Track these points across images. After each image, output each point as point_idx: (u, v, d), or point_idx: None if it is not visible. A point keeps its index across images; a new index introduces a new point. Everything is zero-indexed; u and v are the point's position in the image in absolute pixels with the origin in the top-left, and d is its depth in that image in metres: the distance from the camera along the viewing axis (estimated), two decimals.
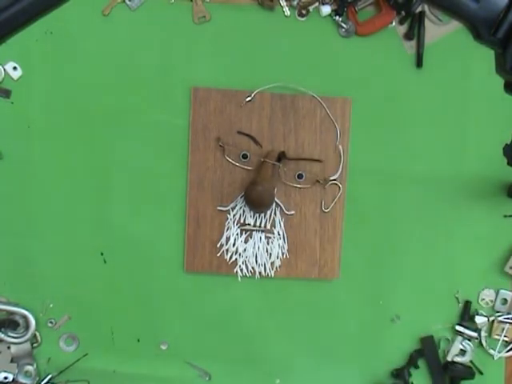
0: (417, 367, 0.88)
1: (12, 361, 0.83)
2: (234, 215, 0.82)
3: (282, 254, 0.83)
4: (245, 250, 0.82)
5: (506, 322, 0.85)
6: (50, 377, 0.83)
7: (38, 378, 0.83)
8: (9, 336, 0.82)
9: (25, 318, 0.82)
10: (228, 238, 0.83)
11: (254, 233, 0.83)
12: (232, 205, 0.82)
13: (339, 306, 0.86)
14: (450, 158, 0.85)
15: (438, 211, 0.85)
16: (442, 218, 0.85)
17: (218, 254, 0.83)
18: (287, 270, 0.84)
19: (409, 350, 0.88)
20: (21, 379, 0.83)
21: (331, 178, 0.83)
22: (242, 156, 0.82)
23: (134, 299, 0.84)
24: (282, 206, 0.82)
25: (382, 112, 0.84)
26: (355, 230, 0.84)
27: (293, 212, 0.83)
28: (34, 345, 0.84)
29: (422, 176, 0.85)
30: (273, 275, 0.83)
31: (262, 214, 0.82)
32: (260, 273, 0.83)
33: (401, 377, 0.87)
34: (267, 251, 0.82)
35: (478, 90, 0.84)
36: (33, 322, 0.82)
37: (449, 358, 0.87)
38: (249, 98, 0.81)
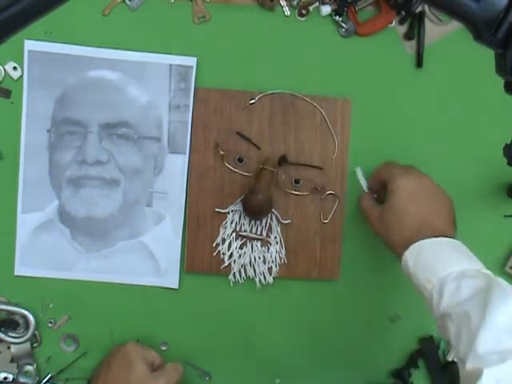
0: (417, 367, 0.88)
1: (12, 361, 0.83)
2: (231, 218, 0.82)
3: (280, 258, 0.83)
4: (240, 256, 0.82)
5: None
6: (49, 376, 0.83)
7: (37, 378, 0.83)
8: (9, 336, 0.82)
9: (25, 317, 0.82)
10: (224, 240, 0.82)
11: (250, 239, 0.83)
12: (231, 207, 0.82)
13: (339, 306, 0.86)
14: (450, 158, 0.85)
15: None
16: None
17: (215, 254, 0.83)
18: (287, 270, 0.84)
19: (409, 350, 0.88)
20: (21, 379, 0.82)
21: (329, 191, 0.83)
22: (238, 160, 0.82)
23: (133, 299, 0.84)
24: (280, 208, 0.82)
25: (382, 112, 0.84)
26: (355, 230, 0.84)
27: (289, 221, 0.83)
28: (34, 345, 0.84)
29: None
30: (271, 281, 0.83)
31: (258, 222, 0.82)
32: (260, 281, 0.83)
33: (401, 377, 0.87)
34: (264, 259, 0.82)
35: (477, 90, 0.84)
36: (33, 322, 0.82)
37: (449, 358, 0.87)
38: (252, 101, 0.81)
